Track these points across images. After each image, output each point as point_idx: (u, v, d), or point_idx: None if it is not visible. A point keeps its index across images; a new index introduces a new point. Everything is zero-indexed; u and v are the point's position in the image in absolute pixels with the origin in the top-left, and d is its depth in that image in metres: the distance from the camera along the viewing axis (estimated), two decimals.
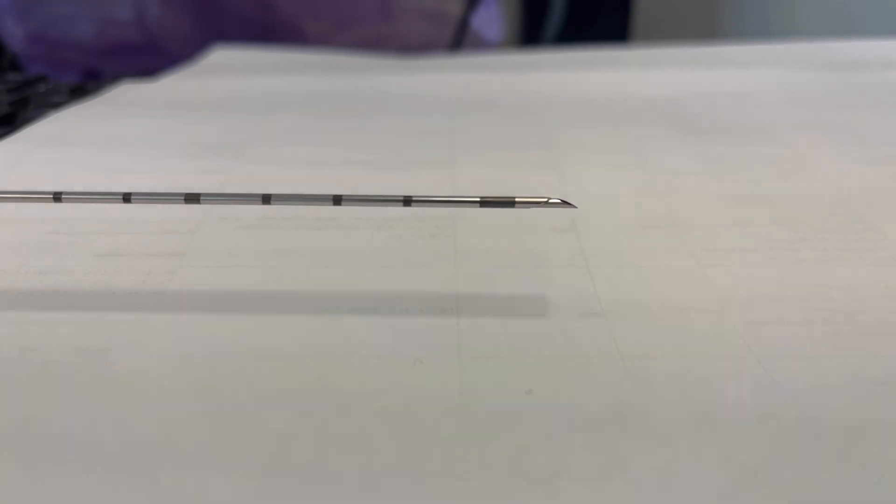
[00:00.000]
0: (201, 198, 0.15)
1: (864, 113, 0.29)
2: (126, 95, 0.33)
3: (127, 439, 0.13)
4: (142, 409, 0.14)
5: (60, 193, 0.15)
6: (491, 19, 0.56)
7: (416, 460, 0.12)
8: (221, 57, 0.41)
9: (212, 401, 0.14)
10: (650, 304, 0.17)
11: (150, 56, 0.48)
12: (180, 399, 0.14)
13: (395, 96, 0.33)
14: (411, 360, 0.15)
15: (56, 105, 0.31)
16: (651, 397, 0.14)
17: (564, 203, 0.15)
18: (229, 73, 0.37)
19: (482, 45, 0.55)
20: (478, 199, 0.16)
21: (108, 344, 0.15)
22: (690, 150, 0.26)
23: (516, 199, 0.15)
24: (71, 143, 0.27)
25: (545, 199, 0.15)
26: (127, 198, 0.15)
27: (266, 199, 0.15)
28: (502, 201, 0.15)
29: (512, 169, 0.25)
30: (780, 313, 0.16)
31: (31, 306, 0.17)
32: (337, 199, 0.15)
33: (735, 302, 0.17)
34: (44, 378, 0.14)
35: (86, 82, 0.36)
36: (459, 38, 0.53)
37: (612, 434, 0.13)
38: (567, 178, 0.24)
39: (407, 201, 0.15)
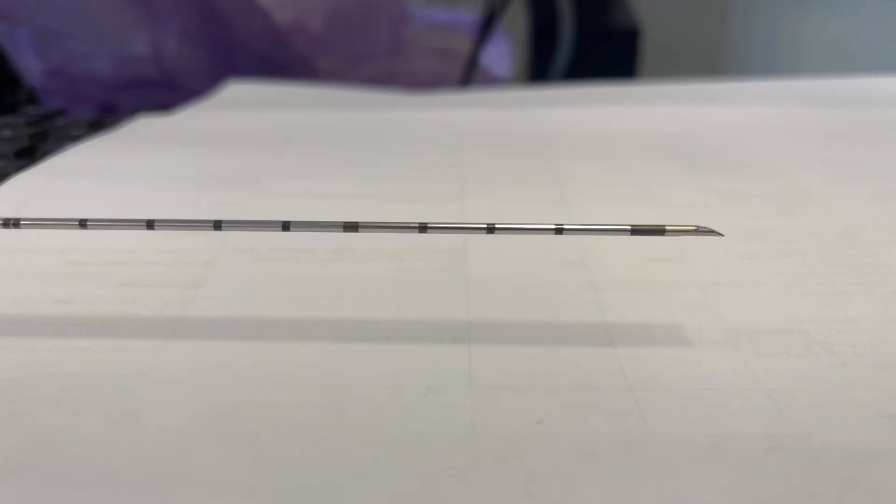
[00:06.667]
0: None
1: (868, 148, 0.30)
2: (143, 129, 0.34)
3: (143, 465, 0.13)
4: (158, 435, 0.14)
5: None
6: (500, 56, 0.57)
7: (427, 489, 0.13)
8: (236, 91, 0.42)
9: (227, 428, 0.14)
10: (659, 335, 0.17)
11: (166, 91, 0.49)
12: (196, 426, 0.14)
13: (405, 131, 0.34)
14: (423, 389, 0.15)
15: (75, 138, 0.32)
16: (660, 427, 0.14)
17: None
18: (244, 107, 0.38)
19: (492, 81, 0.55)
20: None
21: (125, 371, 0.16)
22: (697, 185, 0.26)
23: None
24: (89, 175, 0.27)
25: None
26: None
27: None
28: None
29: (521, 202, 0.25)
30: (788, 345, 0.17)
31: (50, 334, 0.17)
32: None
33: (743, 334, 0.17)
34: (62, 404, 0.15)
35: (104, 116, 0.37)
36: (469, 75, 0.54)
37: (621, 464, 0.13)
38: (575, 212, 0.24)
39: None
